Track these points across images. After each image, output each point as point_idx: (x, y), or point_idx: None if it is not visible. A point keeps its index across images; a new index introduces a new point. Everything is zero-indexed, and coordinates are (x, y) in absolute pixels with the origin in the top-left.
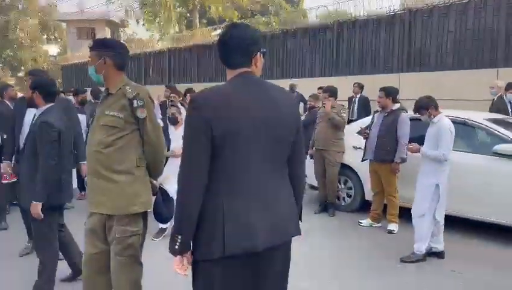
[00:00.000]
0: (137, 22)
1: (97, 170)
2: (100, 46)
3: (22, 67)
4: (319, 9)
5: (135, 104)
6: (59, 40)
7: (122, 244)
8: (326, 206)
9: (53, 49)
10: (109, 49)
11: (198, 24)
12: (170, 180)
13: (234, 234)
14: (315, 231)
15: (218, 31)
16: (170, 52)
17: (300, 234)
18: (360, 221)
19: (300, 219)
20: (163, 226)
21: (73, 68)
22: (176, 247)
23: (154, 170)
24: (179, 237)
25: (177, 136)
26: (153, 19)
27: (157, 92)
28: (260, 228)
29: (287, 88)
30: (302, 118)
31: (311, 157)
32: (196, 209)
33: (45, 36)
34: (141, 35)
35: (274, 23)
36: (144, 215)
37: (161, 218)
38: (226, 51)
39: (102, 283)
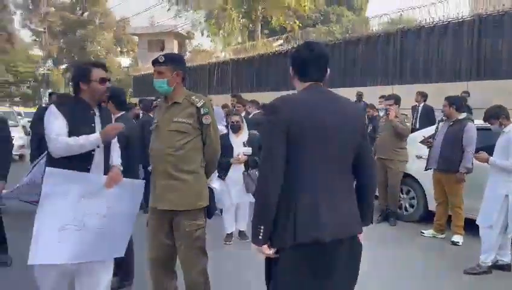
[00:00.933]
0: (202, 33)
1: (167, 171)
2: (173, 61)
3: None
4: (382, 17)
5: (202, 112)
6: (131, 52)
7: (191, 238)
8: (388, 215)
9: (125, 61)
10: (180, 64)
11: (260, 35)
12: (212, 179)
13: (304, 226)
14: (374, 240)
15: (280, 42)
16: (233, 62)
17: (361, 232)
18: (423, 231)
19: (371, 220)
20: (229, 231)
21: (143, 78)
22: (260, 237)
23: (210, 169)
24: (262, 227)
25: (238, 143)
26: (217, 30)
27: (221, 101)
28: (327, 222)
29: (351, 97)
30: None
31: None
32: (275, 203)
33: (119, 49)
34: (206, 46)
35: (335, 32)
36: (204, 210)
37: (210, 213)
38: (303, 65)
39: (169, 276)
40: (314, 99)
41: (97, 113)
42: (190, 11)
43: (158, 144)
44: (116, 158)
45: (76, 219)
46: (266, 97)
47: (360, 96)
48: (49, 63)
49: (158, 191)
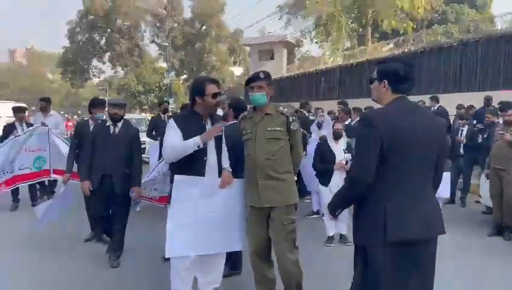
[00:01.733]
0: (312, 41)
1: (268, 173)
2: (268, 77)
3: None
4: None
5: (290, 120)
6: (243, 62)
7: (287, 231)
8: (502, 229)
9: (238, 70)
10: (271, 80)
11: (370, 39)
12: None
13: (393, 226)
14: (481, 252)
15: (390, 46)
16: (341, 68)
17: (445, 233)
18: None
19: None
20: (330, 234)
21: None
22: (337, 213)
23: (296, 168)
24: (340, 211)
25: (338, 150)
26: (325, 37)
27: (328, 107)
28: (414, 223)
29: (472, 102)
30: None
31: (487, 177)
32: (356, 200)
33: (232, 59)
34: (314, 53)
35: (454, 33)
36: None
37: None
38: (397, 79)
39: (267, 265)
40: (403, 112)
41: (208, 123)
42: (299, 19)
43: (257, 151)
44: (225, 161)
45: (198, 217)
46: (374, 104)
47: (488, 100)
48: (172, 74)
49: (260, 191)
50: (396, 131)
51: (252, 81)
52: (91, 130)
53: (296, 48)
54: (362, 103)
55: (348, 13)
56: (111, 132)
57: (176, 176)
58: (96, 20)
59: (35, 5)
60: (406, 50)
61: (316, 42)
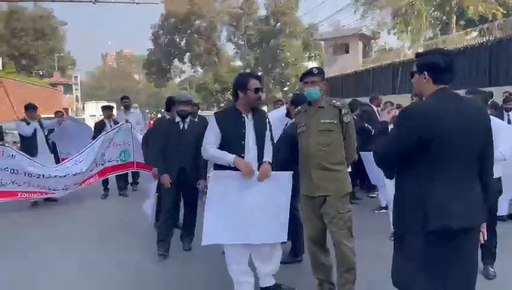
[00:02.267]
0: (389, 32)
1: (321, 164)
2: (322, 73)
3: (288, 83)
4: None
5: (343, 112)
6: (318, 56)
7: (343, 219)
8: None
9: (312, 65)
10: (324, 76)
11: (454, 27)
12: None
13: (434, 215)
14: None
15: (475, 34)
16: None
17: (485, 222)
18: None
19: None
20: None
21: (327, 81)
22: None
23: (349, 160)
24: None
25: None
26: (404, 27)
27: (404, 101)
28: (455, 212)
29: None
30: None
31: None
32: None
33: (307, 54)
34: (393, 44)
35: None
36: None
37: None
38: (439, 70)
39: (323, 252)
40: (444, 103)
41: (249, 118)
42: (376, 10)
43: (310, 143)
44: (267, 155)
45: (237, 208)
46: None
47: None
48: (247, 71)
49: (314, 181)
50: (436, 122)
51: (306, 76)
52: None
53: (373, 41)
54: None
55: (429, 1)
56: (180, 128)
57: (211, 172)
58: (176, 22)
59: (123, 11)
60: (491, 38)
61: (394, 33)
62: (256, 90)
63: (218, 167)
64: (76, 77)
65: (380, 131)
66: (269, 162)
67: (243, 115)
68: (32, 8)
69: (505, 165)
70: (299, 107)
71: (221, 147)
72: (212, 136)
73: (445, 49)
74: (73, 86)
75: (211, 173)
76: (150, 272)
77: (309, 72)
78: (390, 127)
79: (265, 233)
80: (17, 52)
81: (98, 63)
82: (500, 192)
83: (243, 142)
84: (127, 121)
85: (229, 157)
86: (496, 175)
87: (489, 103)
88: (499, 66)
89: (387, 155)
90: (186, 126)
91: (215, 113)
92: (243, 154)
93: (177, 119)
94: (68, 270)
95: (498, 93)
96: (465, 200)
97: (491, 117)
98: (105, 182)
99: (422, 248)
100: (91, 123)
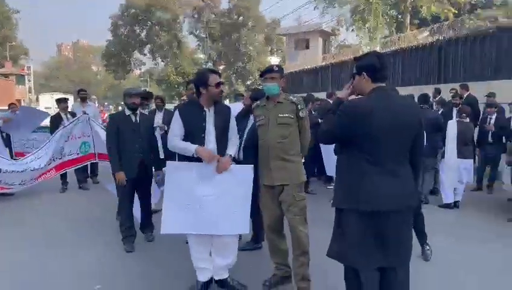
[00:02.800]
0: (347, 29)
1: (280, 155)
2: (281, 70)
3: (250, 77)
4: None
5: (299, 107)
6: (280, 51)
7: (299, 206)
8: None
9: (275, 60)
10: (283, 73)
11: (409, 26)
12: None
13: (369, 197)
14: (495, 237)
15: (426, 34)
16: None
17: (416, 205)
18: None
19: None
20: None
21: (289, 76)
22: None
23: (304, 152)
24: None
25: None
26: (362, 25)
27: None
28: (388, 195)
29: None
30: None
31: (508, 164)
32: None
33: (269, 49)
34: (351, 41)
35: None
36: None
37: None
38: (375, 71)
39: (282, 240)
40: (378, 100)
41: (211, 112)
42: (335, 7)
43: (269, 135)
44: (230, 148)
45: (195, 199)
46: (410, 92)
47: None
48: (210, 65)
49: (273, 171)
50: (368, 117)
51: (266, 73)
52: (113, 121)
53: (333, 37)
54: (400, 92)
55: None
56: (133, 121)
57: (168, 163)
58: (137, 13)
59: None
60: (440, 37)
61: (353, 30)
62: (217, 84)
63: (184, 158)
64: (29, 67)
65: (335, 105)
66: (230, 155)
67: (205, 109)
68: None
69: (447, 158)
70: (258, 102)
71: (185, 139)
72: (176, 128)
73: (401, 47)
74: (25, 76)
75: (168, 164)
76: (115, 264)
77: (269, 69)
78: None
79: (226, 225)
80: None
81: (52, 54)
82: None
83: (203, 135)
84: (84, 113)
85: (191, 148)
86: None
87: (437, 99)
88: (447, 64)
89: (327, 135)
90: (138, 119)
91: (177, 107)
92: (203, 146)
93: (128, 112)
94: (26, 265)
95: (446, 90)
96: (395, 185)
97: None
98: (64, 176)
99: (356, 225)
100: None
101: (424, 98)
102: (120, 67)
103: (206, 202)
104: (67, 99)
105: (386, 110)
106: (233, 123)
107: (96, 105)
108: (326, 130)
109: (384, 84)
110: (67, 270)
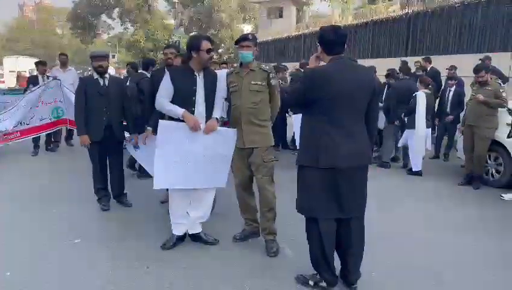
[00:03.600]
0: None
1: (251, 120)
2: (255, 39)
3: (222, 45)
4: None
5: (271, 76)
6: (253, 19)
7: (267, 167)
8: (471, 179)
9: (247, 28)
10: (257, 41)
11: None
12: None
13: (327, 155)
14: (454, 200)
15: (395, 6)
16: (348, 28)
17: (371, 163)
18: (502, 195)
19: (372, 151)
20: None
21: (260, 45)
22: None
23: (273, 117)
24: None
25: None
26: None
27: None
28: (345, 153)
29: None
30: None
31: (462, 133)
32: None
33: (242, 16)
34: (325, 11)
35: None
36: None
37: None
38: (331, 43)
39: (250, 195)
40: (335, 68)
41: (200, 76)
42: None
43: (242, 101)
44: (217, 111)
45: (184, 156)
46: (379, 63)
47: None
48: (181, 30)
49: (244, 134)
50: (327, 81)
51: (241, 41)
52: (81, 83)
53: (306, 7)
54: (368, 63)
55: None
56: (101, 85)
57: (161, 121)
58: None
59: None
60: (410, 11)
61: (326, 1)
62: (208, 50)
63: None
64: None
65: (296, 76)
66: (217, 118)
67: (195, 73)
68: None
69: (419, 128)
70: (232, 68)
71: (173, 100)
72: (164, 90)
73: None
74: None
75: (160, 122)
76: (92, 223)
77: (244, 38)
78: None
79: (208, 178)
80: None
81: (13, 14)
82: None
83: (194, 98)
84: (54, 78)
85: (178, 111)
86: None
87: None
88: (415, 37)
89: (291, 99)
90: (106, 82)
91: (168, 69)
92: (193, 108)
93: (95, 76)
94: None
95: (412, 63)
96: (351, 144)
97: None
98: (36, 140)
99: (316, 180)
100: (11, 79)
101: (405, 67)
102: (87, 31)
103: (194, 158)
104: (45, 62)
105: (343, 75)
106: (220, 87)
107: (75, 70)
108: (291, 93)
109: (342, 55)
110: (45, 228)
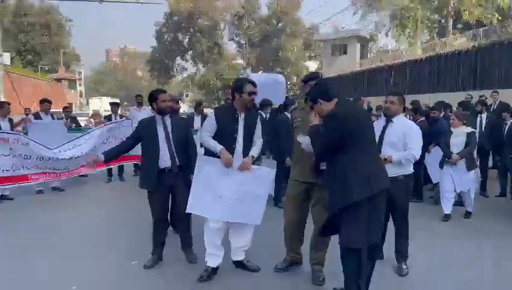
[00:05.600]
0: (386, 34)
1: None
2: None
3: (288, 82)
4: None
5: None
6: (318, 56)
7: (324, 203)
8: None
9: (312, 65)
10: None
11: (451, 30)
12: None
13: (376, 179)
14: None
15: (464, 39)
16: (410, 63)
17: (388, 187)
18: None
19: None
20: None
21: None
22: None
23: None
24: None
25: None
26: (401, 30)
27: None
28: (383, 176)
29: None
30: None
31: None
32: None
33: (307, 54)
34: (392, 45)
35: None
36: None
37: None
38: (329, 91)
39: (302, 235)
40: (349, 105)
41: (242, 117)
42: (374, 13)
43: (304, 136)
44: (254, 150)
45: (217, 189)
46: (445, 98)
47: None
48: (248, 70)
49: (306, 169)
50: (352, 117)
51: (310, 80)
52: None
53: (372, 42)
54: (436, 98)
55: (426, 4)
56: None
57: (199, 156)
58: (180, 21)
59: (127, 8)
60: (481, 43)
61: (387, 35)
62: (250, 93)
63: (210, 153)
64: (80, 72)
65: (314, 132)
66: (252, 156)
67: (237, 113)
68: (39, 3)
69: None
70: (296, 104)
71: (215, 136)
72: (209, 126)
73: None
74: (77, 81)
75: (199, 156)
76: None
77: (313, 77)
78: None
79: (240, 213)
80: (23, 48)
81: (101, 59)
82: (409, 187)
83: (235, 135)
84: (127, 118)
85: (217, 147)
86: (406, 173)
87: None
88: (484, 69)
89: (325, 149)
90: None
91: (215, 108)
92: (234, 145)
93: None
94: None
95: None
96: (378, 172)
97: (404, 119)
98: (110, 169)
99: (365, 209)
100: None
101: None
102: (163, 72)
103: (226, 193)
104: (119, 103)
105: (359, 112)
106: (258, 128)
107: (150, 110)
108: (321, 145)
109: (341, 97)
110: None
